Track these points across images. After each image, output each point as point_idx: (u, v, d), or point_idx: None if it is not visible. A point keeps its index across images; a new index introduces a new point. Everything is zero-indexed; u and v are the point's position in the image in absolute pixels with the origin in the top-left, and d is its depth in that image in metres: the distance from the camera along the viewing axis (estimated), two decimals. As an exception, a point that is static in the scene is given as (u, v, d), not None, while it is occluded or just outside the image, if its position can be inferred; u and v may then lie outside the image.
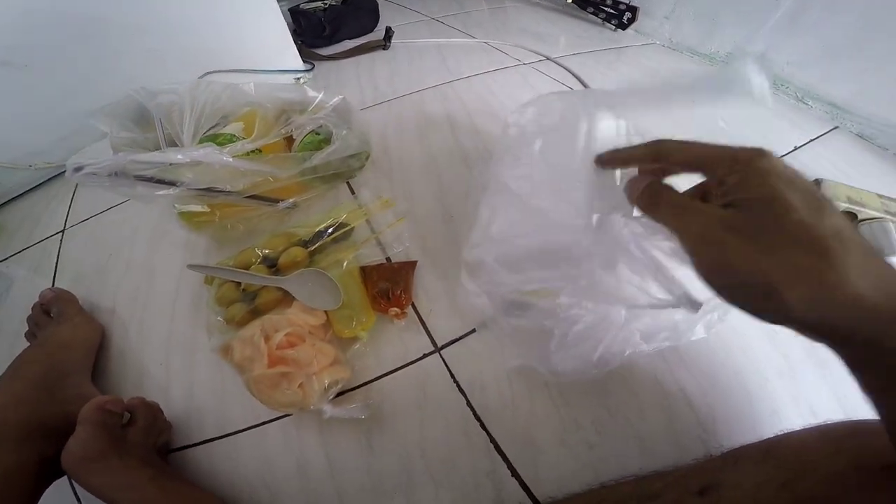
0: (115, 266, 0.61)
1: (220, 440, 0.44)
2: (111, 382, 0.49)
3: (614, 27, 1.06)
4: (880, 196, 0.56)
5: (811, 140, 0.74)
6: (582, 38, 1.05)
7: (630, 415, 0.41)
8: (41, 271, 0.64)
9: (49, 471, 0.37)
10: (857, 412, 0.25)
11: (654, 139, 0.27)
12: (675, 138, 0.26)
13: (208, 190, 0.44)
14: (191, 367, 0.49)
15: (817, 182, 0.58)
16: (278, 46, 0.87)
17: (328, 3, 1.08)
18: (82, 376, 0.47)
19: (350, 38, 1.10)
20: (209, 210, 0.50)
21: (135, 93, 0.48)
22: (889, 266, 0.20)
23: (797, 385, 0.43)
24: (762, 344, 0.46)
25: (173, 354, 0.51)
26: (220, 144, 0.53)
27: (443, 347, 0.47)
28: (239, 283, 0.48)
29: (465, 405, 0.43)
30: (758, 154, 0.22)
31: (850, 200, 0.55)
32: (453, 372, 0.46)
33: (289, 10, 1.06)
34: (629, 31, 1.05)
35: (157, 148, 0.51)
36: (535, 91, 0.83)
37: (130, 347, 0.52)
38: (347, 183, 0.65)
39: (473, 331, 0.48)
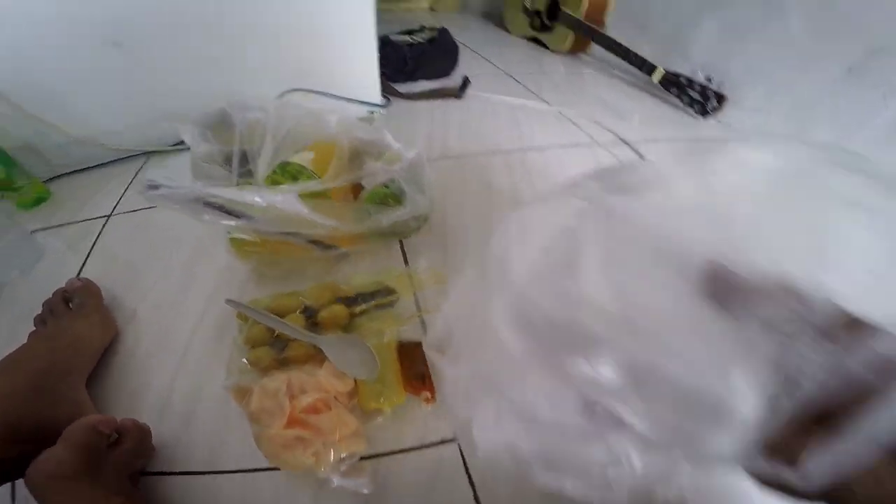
0: (149, 267, 0.60)
1: (202, 475, 0.41)
2: (108, 388, 0.47)
3: (696, 113, 1.01)
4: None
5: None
6: (659, 119, 1.01)
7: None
8: (75, 251, 0.63)
9: (4, 471, 0.35)
10: None
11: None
12: None
13: (275, 232, 0.42)
14: (196, 395, 0.47)
15: None
16: (364, 74, 0.87)
17: (416, 39, 1.09)
18: (79, 379, 0.44)
19: (427, 79, 1.11)
20: (260, 242, 0.48)
21: (228, 106, 0.48)
22: None
23: None
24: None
25: (181, 377, 0.48)
26: (290, 175, 0.51)
27: (464, 438, 0.44)
28: (272, 328, 0.45)
29: (472, 498, 0.40)
30: None
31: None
32: (468, 464, 0.42)
33: (379, 38, 1.07)
34: (711, 120, 1.00)
35: (229, 160, 0.51)
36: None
37: (139, 357, 0.50)
38: (401, 242, 0.63)
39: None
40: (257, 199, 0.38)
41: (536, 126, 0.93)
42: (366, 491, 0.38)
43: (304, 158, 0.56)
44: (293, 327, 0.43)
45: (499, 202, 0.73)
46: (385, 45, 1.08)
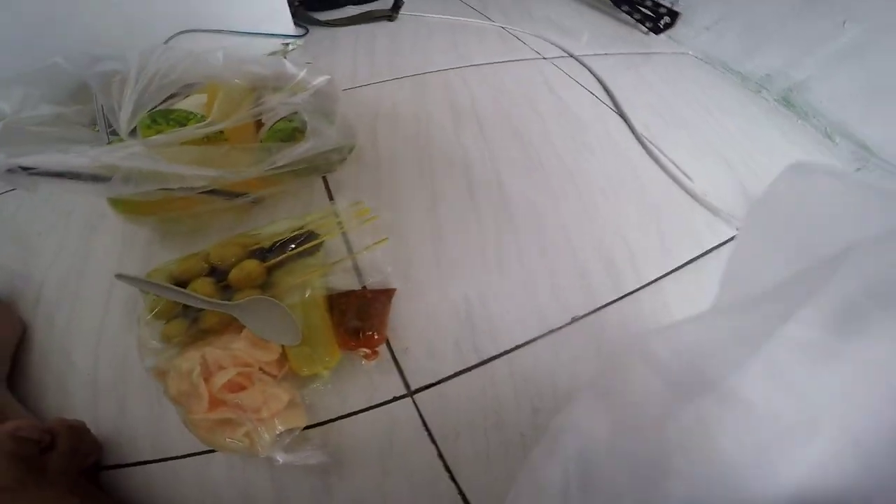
0: (44, 248, 0.52)
1: (156, 464, 0.39)
2: (31, 388, 0.42)
3: (647, 30, 0.96)
4: None
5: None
6: (609, 37, 0.95)
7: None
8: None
9: None
10: None
11: None
12: None
13: (148, 190, 0.35)
14: (123, 378, 0.42)
15: None
16: (270, 6, 0.75)
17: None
18: None
19: (354, 4, 0.98)
20: (143, 202, 0.41)
21: (64, 61, 0.39)
22: None
23: None
24: None
25: (103, 361, 0.43)
26: (177, 122, 0.44)
27: (416, 392, 0.41)
28: (178, 298, 0.40)
29: (436, 456, 0.39)
30: None
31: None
32: (426, 419, 0.40)
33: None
34: (662, 36, 0.96)
35: (95, 124, 0.42)
36: (552, 91, 0.74)
37: (55, 348, 0.45)
38: (324, 179, 0.55)
39: (455, 375, 0.42)
40: (84, 160, 0.30)
41: (477, 45, 0.84)
42: (315, 462, 0.36)
43: (193, 103, 0.48)
44: (195, 296, 0.38)
45: (435, 123, 0.65)
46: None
